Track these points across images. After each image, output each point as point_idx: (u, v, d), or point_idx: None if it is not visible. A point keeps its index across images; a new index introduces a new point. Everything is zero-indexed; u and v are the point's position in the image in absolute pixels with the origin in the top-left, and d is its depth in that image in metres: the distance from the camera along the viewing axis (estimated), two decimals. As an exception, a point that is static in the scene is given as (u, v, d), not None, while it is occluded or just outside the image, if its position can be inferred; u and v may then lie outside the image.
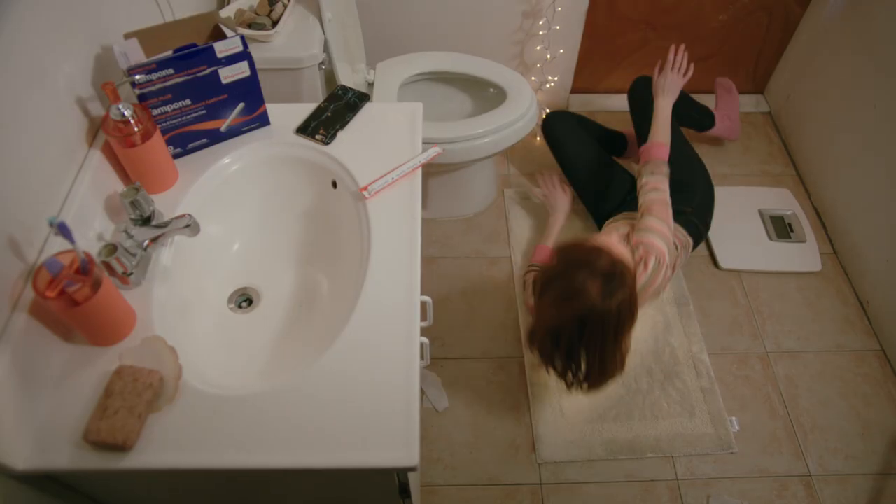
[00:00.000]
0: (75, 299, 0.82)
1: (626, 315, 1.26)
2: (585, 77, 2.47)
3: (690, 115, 2.19)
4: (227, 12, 1.48)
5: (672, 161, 1.62)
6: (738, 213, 2.16)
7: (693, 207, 1.75)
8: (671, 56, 1.73)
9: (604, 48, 2.38)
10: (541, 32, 2.22)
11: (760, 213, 2.19)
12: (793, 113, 2.42)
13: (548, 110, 2.28)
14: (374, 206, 1.08)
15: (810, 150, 2.30)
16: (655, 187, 1.52)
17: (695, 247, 1.77)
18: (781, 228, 2.15)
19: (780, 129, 2.49)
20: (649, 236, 1.45)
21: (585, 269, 1.22)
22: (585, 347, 1.29)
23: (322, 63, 1.56)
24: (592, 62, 2.43)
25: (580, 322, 1.23)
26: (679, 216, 1.64)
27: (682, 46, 1.74)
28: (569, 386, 1.38)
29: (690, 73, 1.74)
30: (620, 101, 2.46)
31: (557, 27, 2.21)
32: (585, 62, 2.40)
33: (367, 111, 1.24)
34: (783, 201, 2.23)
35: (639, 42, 2.36)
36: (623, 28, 2.31)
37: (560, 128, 2.01)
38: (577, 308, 1.21)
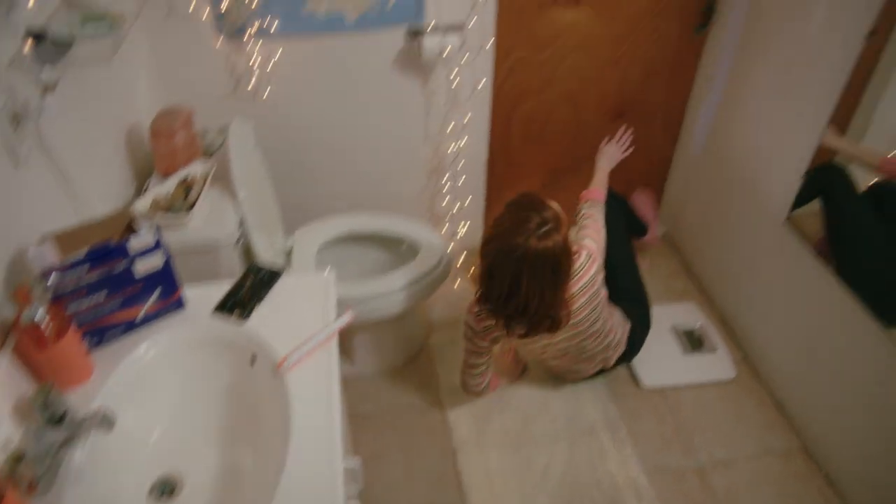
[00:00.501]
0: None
1: (561, 259, 1.51)
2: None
3: (635, 223, 2.45)
4: (143, 204, 1.55)
5: (622, 271, 2.04)
6: (652, 332, 2.29)
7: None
8: (619, 133, 2.10)
9: (508, 194, 2.58)
10: (447, 186, 2.41)
11: (673, 328, 2.33)
12: (686, 232, 2.66)
13: (465, 253, 2.42)
14: (293, 378, 1.11)
15: (707, 264, 2.51)
16: (591, 216, 1.88)
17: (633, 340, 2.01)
18: (693, 341, 2.28)
19: (678, 247, 2.72)
20: (584, 241, 1.77)
21: (532, 210, 1.50)
22: (528, 279, 1.50)
23: (239, 240, 1.64)
24: (500, 206, 2.62)
25: (524, 252, 1.47)
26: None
27: (630, 130, 2.10)
28: (507, 323, 1.63)
29: (629, 151, 2.11)
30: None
31: (462, 179, 2.41)
32: (493, 206, 2.59)
33: (281, 284, 1.30)
34: (691, 315, 2.39)
35: (539, 186, 2.59)
36: (521, 174, 2.55)
37: None
38: (522, 238, 1.47)
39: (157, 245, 1.13)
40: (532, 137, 2.47)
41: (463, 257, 2.60)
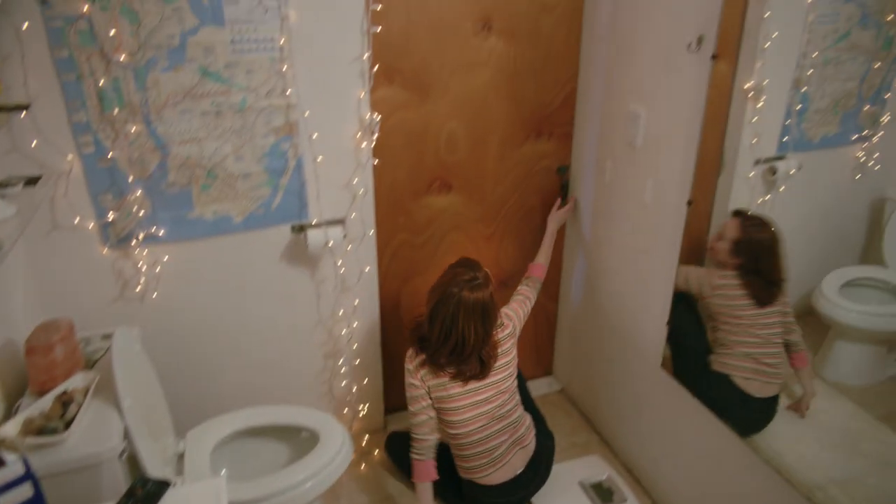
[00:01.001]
0: None
1: (489, 308, 1.89)
2: (396, 396, 2.67)
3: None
4: (11, 428, 1.46)
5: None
6: (560, 492, 2.29)
7: None
8: (566, 202, 2.48)
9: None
10: (343, 369, 2.44)
11: (581, 484, 2.34)
12: (580, 385, 2.79)
13: (367, 436, 2.39)
14: None
15: (603, 414, 2.62)
16: (523, 293, 2.24)
17: None
18: (603, 494, 2.30)
19: (574, 401, 2.82)
20: (505, 309, 2.14)
21: (467, 268, 1.89)
22: (462, 321, 1.85)
23: (123, 452, 1.56)
24: (399, 382, 2.65)
25: (458, 298, 1.84)
26: None
27: (573, 198, 2.46)
28: (438, 362, 1.93)
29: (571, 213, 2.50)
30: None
31: (357, 361, 2.45)
32: (392, 384, 2.62)
33: (170, 496, 1.25)
34: (597, 467, 2.43)
35: (434, 356, 2.67)
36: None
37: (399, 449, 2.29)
38: (457, 288, 1.85)
39: (27, 475, 1.08)
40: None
41: (366, 439, 2.56)
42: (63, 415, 1.53)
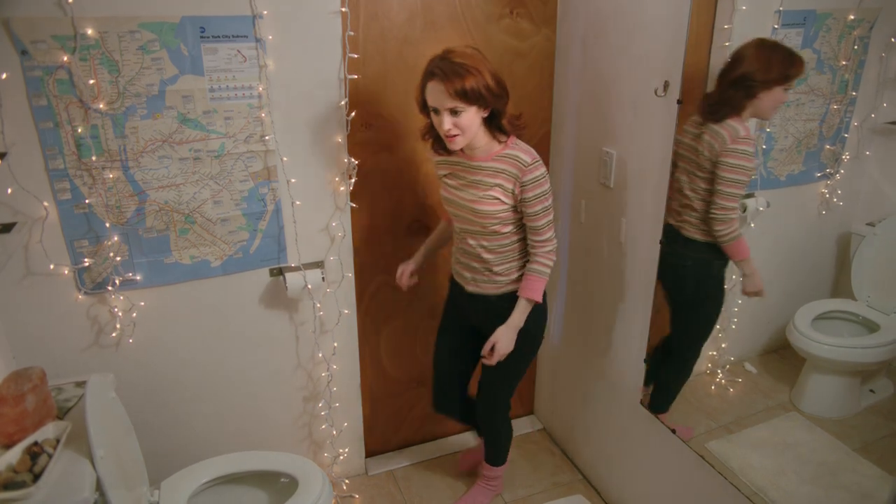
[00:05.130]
0: None
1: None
2: (376, 439, 2.64)
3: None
4: (-19, 479, 1.43)
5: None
6: (545, 534, 2.27)
7: None
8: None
9: (386, 411, 2.62)
10: (323, 413, 2.41)
11: (564, 526, 2.32)
12: (561, 424, 2.77)
13: (347, 481, 2.35)
14: None
15: (585, 453, 2.60)
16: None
17: None
18: (587, 536, 2.28)
19: (556, 440, 2.81)
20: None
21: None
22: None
23: (93, 502, 1.52)
24: (379, 425, 2.63)
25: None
26: None
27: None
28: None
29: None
30: (420, 451, 2.64)
31: (337, 404, 2.42)
32: (372, 428, 2.60)
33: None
34: (580, 508, 2.41)
35: (416, 398, 2.65)
36: (397, 389, 2.61)
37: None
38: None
39: (-5, 529, 1.05)
40: (402, 353, 2.59)
41: (346, 484, 2.52)
42: (32, 467, 1.49)
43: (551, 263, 1.92)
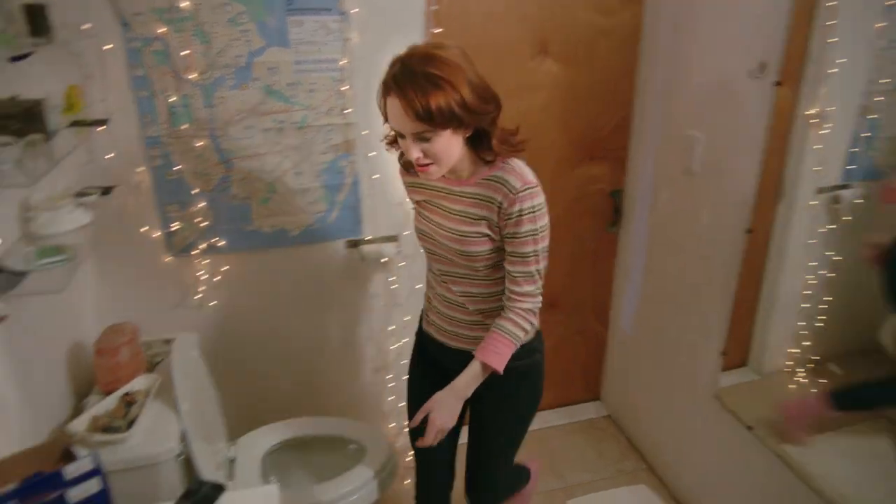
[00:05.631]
0: None
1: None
2: (441, 413, 2.67)
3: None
4: (80, 423, 1.54)
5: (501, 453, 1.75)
6: (606, 520, 2.25)
7: None
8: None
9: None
10: (391, 385, 2.46)
11: (627, 514, 2.29)
12: (628, 412, 2.73)
13: (410, 454, 2.39)
14: None
15: (651, 442, 2.56)
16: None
17: None
18: (650, 526, 2.24)
19: (622, 428, 2.77)
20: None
21: None
22: None
23: (180, 454, 1.61)
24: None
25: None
26: None
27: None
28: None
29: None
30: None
31: (405, 378, 2.46)
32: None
33: (225, 501, 1.28)
34: (644, 498, 2.37)
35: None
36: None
37: None
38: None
39: (96, 471, 1.13)
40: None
41: (410, 456, 2.57)
42: (126, 415, 1.60)
43: (528, 327, 1.42)
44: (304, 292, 2.24)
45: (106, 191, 1.81)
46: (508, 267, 1.41)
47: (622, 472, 2.53)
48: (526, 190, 1.33)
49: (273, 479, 2.01)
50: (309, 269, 2.21)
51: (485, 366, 1.40)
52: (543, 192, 1.38)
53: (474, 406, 1.65)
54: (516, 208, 1.33)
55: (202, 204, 2.02)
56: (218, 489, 1.30)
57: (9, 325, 1.26)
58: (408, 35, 2.03)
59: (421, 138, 1.27)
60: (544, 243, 1.39)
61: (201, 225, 2.04)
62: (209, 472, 1.69)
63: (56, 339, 1.70)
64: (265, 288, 2.18)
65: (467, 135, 1.33)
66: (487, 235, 1.40)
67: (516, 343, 1.42)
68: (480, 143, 1.36)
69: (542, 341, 1.63)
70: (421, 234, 1.55)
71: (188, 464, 1.70)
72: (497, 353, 1.40)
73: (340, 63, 2.00)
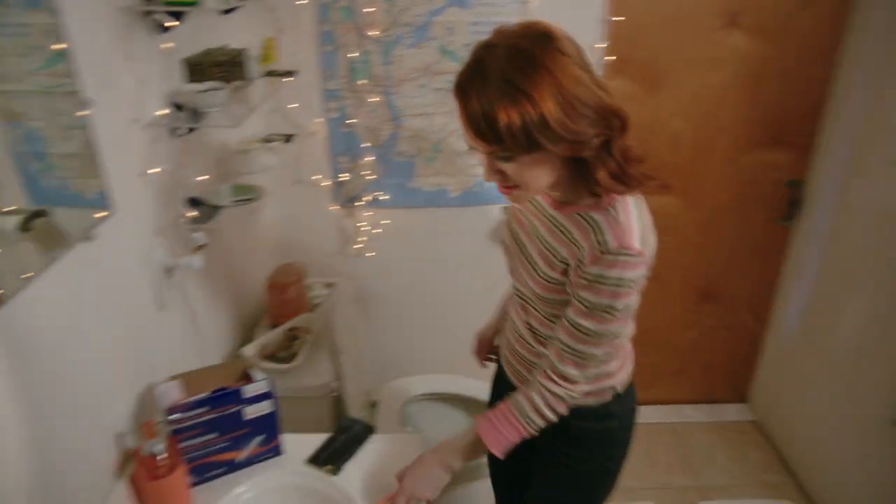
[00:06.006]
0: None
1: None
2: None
3: None
4: (250, 350, 1.69)
5: None
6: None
7: None
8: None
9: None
10: (530, 354, 2.46)
11: (768, 528, 2.15)
12: (780, 421, 2.53)
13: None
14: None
15: (805, 458, 2.35)
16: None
17: None
18: (792, 544, 2.09)
19: (770, 436, 2.58)
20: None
21: None
22: None
23: (333, 391, 1.72)
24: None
25: None
26: None
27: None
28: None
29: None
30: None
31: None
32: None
33: (372, 443, 1.35)
34: (788, 514, 2.21)
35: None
36: (604, 347, 2.56)
37: None
38: None
39: (269, 394, 1.23)
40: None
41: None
42: (289, 348, 1.73)
43: (549, 415, 1.09)
44: (457, 252, 2.28)
45: (288, 138, 1.94)
46: (561, 330, 1.06)
47: (766, 484, 2.36)
48: (621, 255, 0.97)
49: (409, 429, 2.10)
50: (464, 230, 2.24)
51: (479, 439, 1.11)
52: (645, 261, 1.01)
53: (529, 458, 1.31)
54: (595, 271, 0.99)
55: (370, 158, 2.11)
56: (368, 429, 1.38)
57: (205, 253, 1.39)
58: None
59: (496, 157, 0.97)
60: (615, 326, 1.04)
61: (368, 178, 2.13)
62: (355, 411, 1.79)
63: (236, 269, 1.87)
64: (421, 244, 2.25)
65: (565, 156, 0.96)
66: (563, 284, 1.07)
67: (525, 429, 1.09)
68: (585, 169, 0.98)
69: (630, 400, 1.26)
70: (508, 232, 1.25)
71: (337, 401, 1.82)
72: (497, 430, 1.10)
73: (516, 26, 1.97)
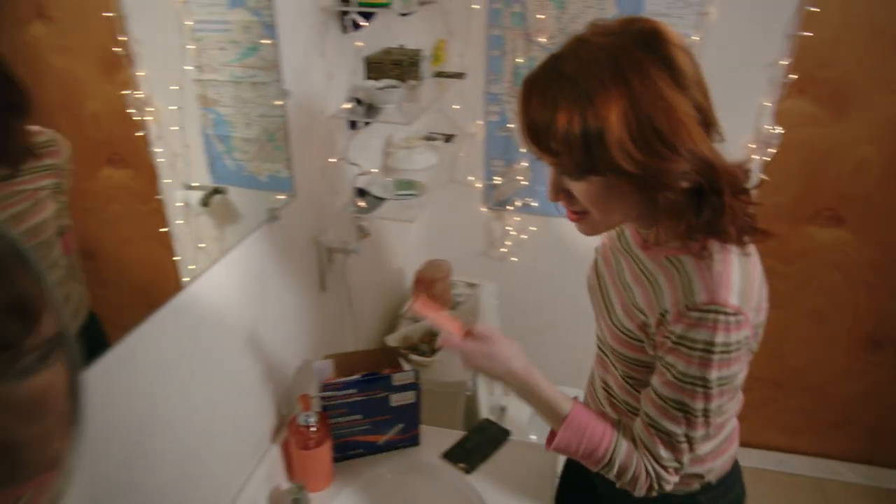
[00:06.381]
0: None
1: None
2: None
3: None
4: (394, 339, 1.75)
5: None
6: None
7: None
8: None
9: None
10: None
11: None
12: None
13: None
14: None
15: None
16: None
17: None
18: None
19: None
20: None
21: None
22: None
23: (468, 390, 1.74)
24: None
25: None
26: None
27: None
28: None
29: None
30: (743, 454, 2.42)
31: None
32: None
33: (507, 447, 1.35)
34: None
35: (763, 400, 2.40)
36: (748, 384, 2.38)
37: None
38: None
39: (414, 385, 1.27)
40: (766, 342, 2.33)
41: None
42: (430, 342, 1.77)
43: (625, 481, 0.90)
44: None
45: (448, 138, 1.99)
46: (646, 400, 0.89)
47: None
48: (710, 313, 0.79)
49: (533, 438, 2.08)
50: (612, 245, 2.18)
51: (559, 427, 0.92)
52: (746, 323, 0.81)
53: None
54: (679, 330, 0.81)
55: (525, 163, 2.11)
56: (504, 433, 1.38)
57: (368, 242, 1.46)
58: (775, 13, 1.83)
59: (561, 172, 0.83)
60: (712, 403, 0.84)
61: (520, 183, 2.14)
62: (486, 413, 1.81)
63: (386, 260, 1.95)
64: (566, 255, 2.21)
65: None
66: (641, 344, 0.90)
67: (595, 465, 0.91)
68: (669, 209, 0.80)
69: (727, 496, 1.07)
70: (588, 287, 1.13)
71: (469, 401, 1.84)
72: (574, 435, 0.90)
73: (691, 38, 1.88)
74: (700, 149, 0.76)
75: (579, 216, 0.88)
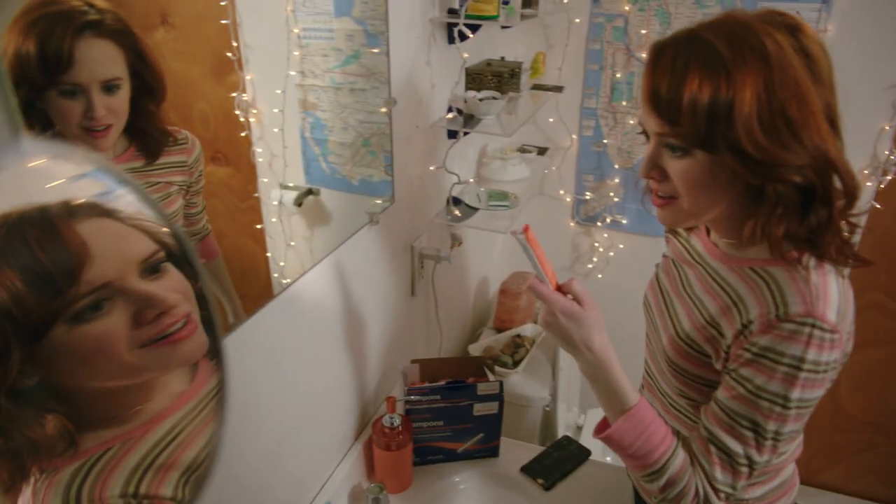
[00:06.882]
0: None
1: None
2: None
3: None
4: (476, 349, 1.76)
5: None
6: None
7: None
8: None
9: (822, 440, 2.29)
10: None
11: None
12: None
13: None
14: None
15: None
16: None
17: None
18: None
19: None
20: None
21: None
22: None
23: (547, 406, 1.73)
24: (807, 453, 2.32)
25: None
26: None
27: None
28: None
29: None
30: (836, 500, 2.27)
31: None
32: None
33: (585, 467, 1.32)
34: None
35: (865, 443, 2.24)
36: (845, 422, 2.24)
37: None
38: None
39: (498, 395, 1.27)
40: (868, 386, 2.19)
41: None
42: (513, 353, 1.77)
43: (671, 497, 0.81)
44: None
45: (541, 151, 1.98)
46: (708, 416, 0.82)
47: None
48: (806, 326, 0.72)
49: (608, 459, 2.03)
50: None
51: (619, 417, 0.84)
52: (840, 343, 0.74)
53: None
54: (765, 342, 0.74)
55: (616, 180, 2.08)
56: (585, 452, 1.35)
57: (459, 250, 1.48)
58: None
59: (665, 144, 0.77)
60: (786, 425, 0.76)
61: (611, 199, 2.10)
62: (563, 430, 1.78)
63: (473, 269, 1.96)
64: (649, 275, 2.16)
65: (750, 182, 0.74)
66: (708, 361, 0.84)
67: (653, 465, 0.81)
68: (766, 211, 0.75)
69: None
70: (645, 303, 1.07)
71: (548, 417, 1.82)
72: (630, 432, 0.82)
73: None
74: (826, 146, 0.72)
75: (665, 201, 0.82)
